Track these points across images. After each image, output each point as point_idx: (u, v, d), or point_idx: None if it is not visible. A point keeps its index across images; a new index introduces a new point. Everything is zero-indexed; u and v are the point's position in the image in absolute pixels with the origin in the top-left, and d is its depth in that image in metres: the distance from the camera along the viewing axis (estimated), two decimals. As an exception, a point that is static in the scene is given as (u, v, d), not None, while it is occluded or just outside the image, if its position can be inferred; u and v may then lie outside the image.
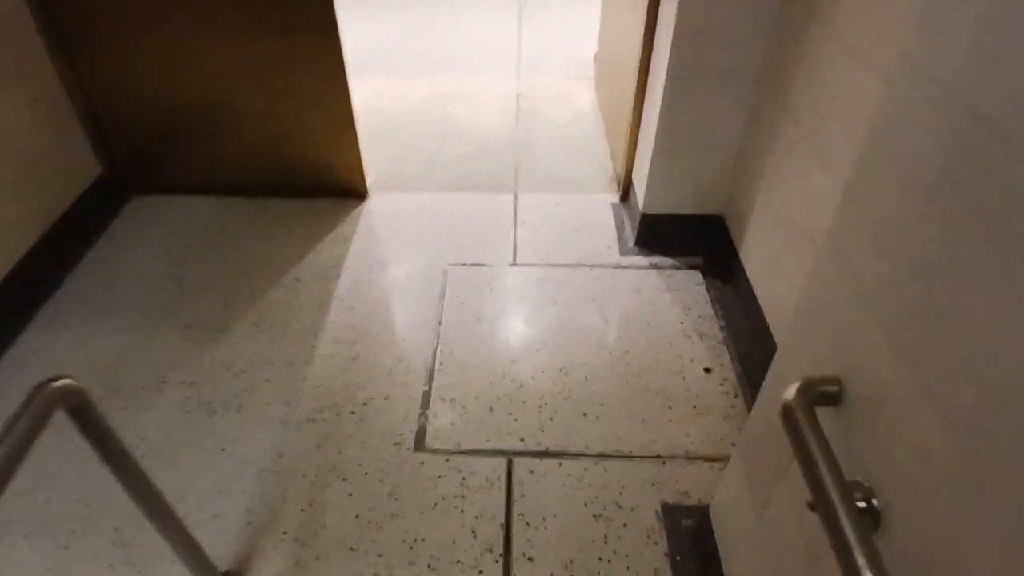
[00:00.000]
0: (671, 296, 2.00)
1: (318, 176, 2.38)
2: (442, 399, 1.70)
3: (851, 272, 0.78)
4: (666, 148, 1.94)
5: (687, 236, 2.13)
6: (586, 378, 1.75)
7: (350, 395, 1.71)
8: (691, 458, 1.55)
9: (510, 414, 1.66)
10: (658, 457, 1.55)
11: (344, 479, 1.52)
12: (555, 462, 1.54)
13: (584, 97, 3.12)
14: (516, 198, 2.44)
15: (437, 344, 1.85)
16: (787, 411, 0.77)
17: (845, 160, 1.34)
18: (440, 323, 1.92)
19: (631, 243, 2.20)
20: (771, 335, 1.67)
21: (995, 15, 0.54)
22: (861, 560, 0.59)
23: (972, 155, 0.56)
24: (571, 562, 1.36)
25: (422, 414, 1.66)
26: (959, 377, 0.58)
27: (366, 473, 1.53)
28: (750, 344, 1.79)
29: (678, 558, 1.36)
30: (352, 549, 1.39)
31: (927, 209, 0.63)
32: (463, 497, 1.48)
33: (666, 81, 1.80)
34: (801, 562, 0.91)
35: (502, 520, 1.43)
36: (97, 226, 2.27)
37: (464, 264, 2.13)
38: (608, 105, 2.74)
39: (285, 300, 2.00)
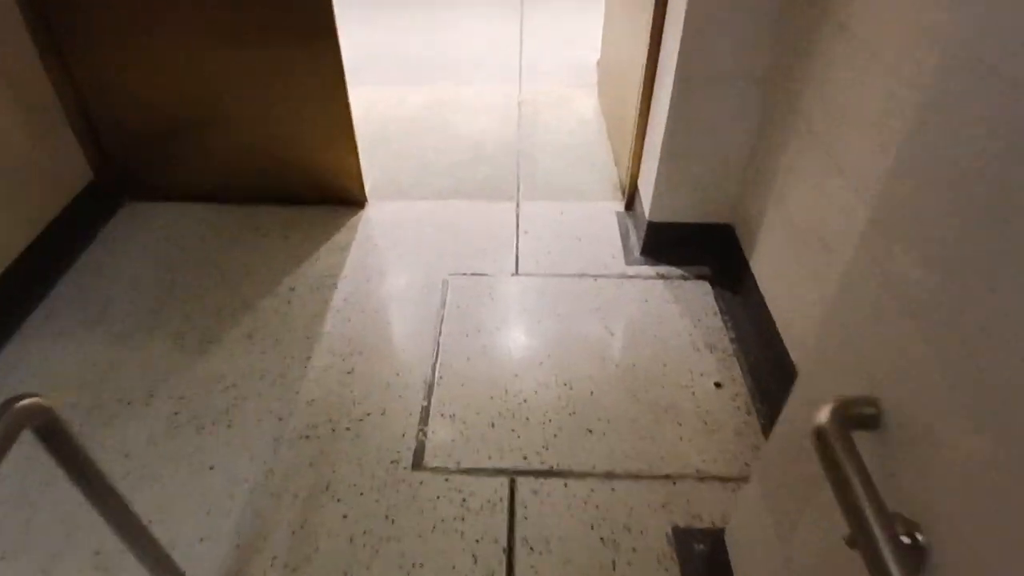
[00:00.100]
0: (679, 307, 1.93)
1: (315, 183, 2.32)
2: (441, 414, 1.62)
3: (889, 281, 0.71)
4: (673, 154, 1.88)
5: (695, 245, 2.07)
6: (591, 393, 1.67)
7: (345, 410, 1.64)
8: (703, 478, 1.47)
9: (512, 430, 1.59)
10: (668, 477, 1.48)
11: (338, 499, 1.44)
12: (560, 482, 1.47)
13: (586, 104, 3.07)
14: (518, 206, 2.37)
15: (436, 357, 1.78)
16: (820, 435, 0.70)
17: (863, 164, 1.28)
18: (440, 335, 1.85)
19: (637, 252, 2.13)
20: (784, 348, 1.60)
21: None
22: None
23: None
24: (577, 589, 1.29)
25: (420, 430, 1.59)
26: (1020, 401, 0.52)
27: (361, 493, 1.45)
28: (762, 357, 1.72)
29: (691, 585, 1.28)
30: (346, 574, 1.31)
31: (982, 211, 0.56)
32: (463, 519, 1.40)
33: (673, 85, 1.74)
34: (832, 598, 0.83)
35: (504, 544, 1.36)
36: (88, 232, 2.21)
37: (465, 274, 2.06)
38: (612, 111, 2.69)
39: (279, 310, 1.93)
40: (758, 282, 1.81)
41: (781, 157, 1.66)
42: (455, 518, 1.40)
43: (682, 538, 1.36)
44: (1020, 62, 0.52)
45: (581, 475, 1.48)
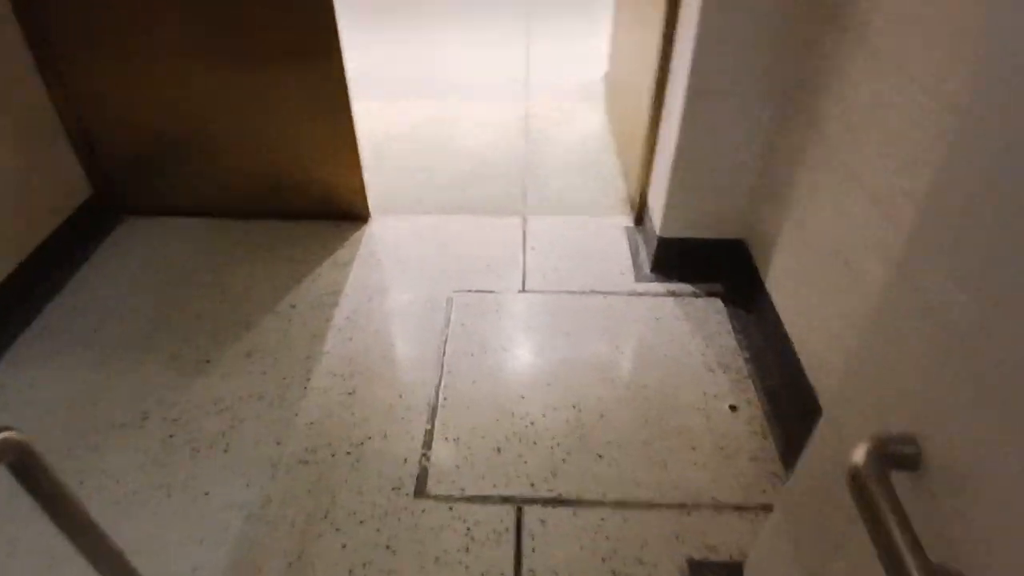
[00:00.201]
0: (690, 325, 1.87)
1: (318, 198, 2.28)
2: (445, 438, 1.56)
3: (931, 309, 0.66)
4: (684, 168, 1.83)
5: (706, 261, 2.01)
6: (601, 416, 1.61)
7: (346, 434, 1.58)
8: (719, 507, 1.40)
9: (519, 455, 1.53)
10: (682, 506, 1.41)
11: (337, 528, 1.38)
12: (569, 511, 1.40)
13: (592, 118, 3.03)
14: (525, 221, 2.32)
15: (440, 378, 1.72)
16: (856, 477, 0.64)
17: (885, 179, 1.22)
18: (444, 355, 1.79)
19: (647, 268, 2.07)
20: (802, 369, 1.53)
21: None
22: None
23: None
24: (588, 627, 1.22)
25: (423, 455, 1.53)
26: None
27: (361, 522, 1.39)
28: (778, 379, 1.65)
29: (708, 623, 1.21)
30: (344, 610, 1.25)
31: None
32: (468, 550, 1.34)
33: (684, 98, 1.69)
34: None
35: (510, 577, 1.29)
36: (85, 249, 2.17)
37: (470, 291, 2.01)
38: (620, 125, 2.64)
39: (279, 329, 1.88)
40: (773, 300, 1.74)
41: (796, 171, 1.60)
42: (459, 549, 1.34)
43: (698, 571, 1.29)
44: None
45: (591, 504, 1.42)
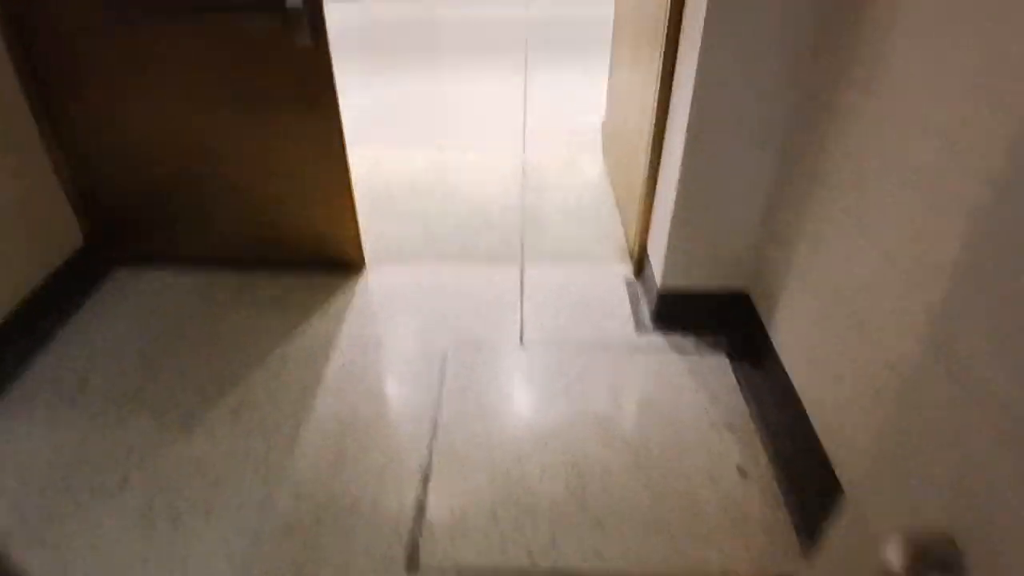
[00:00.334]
0: (694, 381, 1.80)
1: (312, 247, 2.23)
2: (439, 505, 1.48)
3: (971, 388, 0.60)
4: (684, 219, 1.79)
5: (709, 313, 1.96)
6: (602, 479, 1.53)
7: (333, 499, 1.50)
8: (729, 582, 1.32)
9: (516, 522, 1.44)
10: (690, 580, 1.32)
11: (321, 606, 1.29)
12: (569, 586, 1.32)
13: (591, 166, 3.02)
14: (522, 271, 2.28)
15: (434, 438, 1.65)
16: (891, 582, 0.58)
17: (897, 234, 1.18)
18: (438, 413, 1.72)
19: (647, 321, 2.02)
20: (814, 431, 1.46)
21: None
22: None
23: None
24: None
25: (415, 524, 1.44)
26: None
27: (348, 599, 1.30)
28: (790, 444, 1.58)
29: None
30: None
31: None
32: (461, 632, 1.25)
33: (684, 148, 1.66)
34: None
35: (507, 663, 1.20)
36: (75, 300, 2.11)
37: (466, 343, 1.95)
38: (618, 174, 2.63)
39: (267, 384, 1.81)
40: (780, 355, 1.68)
41: (801, 222, 1.56)
42: (452, 630, 1.25)
43: (709, 657, 1.19)
44: None
45: (593, 578, 1.33)
